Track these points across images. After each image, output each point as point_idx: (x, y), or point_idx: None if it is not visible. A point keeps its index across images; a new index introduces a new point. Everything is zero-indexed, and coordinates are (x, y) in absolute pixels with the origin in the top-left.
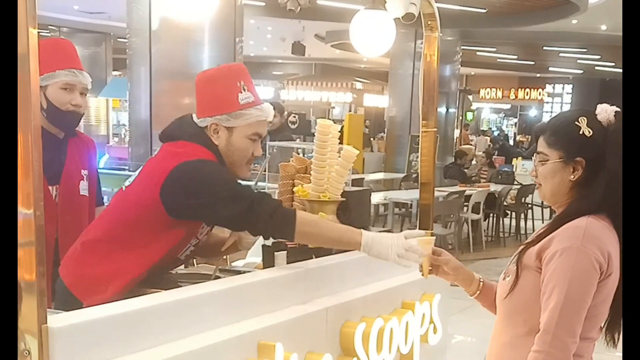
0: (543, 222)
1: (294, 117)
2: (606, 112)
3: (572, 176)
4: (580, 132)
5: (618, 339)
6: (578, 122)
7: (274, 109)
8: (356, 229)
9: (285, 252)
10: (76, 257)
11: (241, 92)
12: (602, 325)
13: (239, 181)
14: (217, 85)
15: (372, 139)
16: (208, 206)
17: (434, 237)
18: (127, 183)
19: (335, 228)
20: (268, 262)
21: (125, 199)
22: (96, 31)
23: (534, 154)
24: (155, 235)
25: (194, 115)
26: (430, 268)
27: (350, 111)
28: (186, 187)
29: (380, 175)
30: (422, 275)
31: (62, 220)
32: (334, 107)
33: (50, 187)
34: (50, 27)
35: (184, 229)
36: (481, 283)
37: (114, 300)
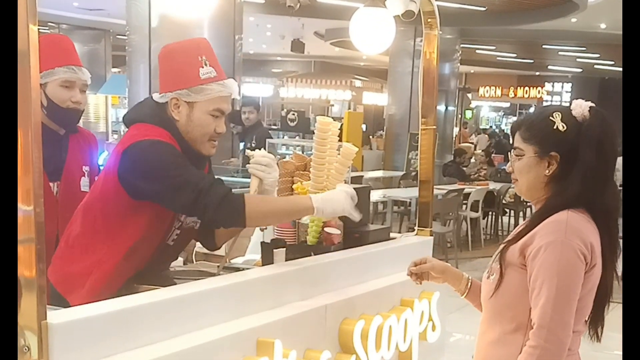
0: None
1: (293, 114)
2: (581, 107)
3: (547, 171)
4: (555, 127)
5: (601, 334)
6: (552, 117)
7: (252, 106)
8: (304, 195)
9: (284, 249)
10: (60, 254)
11: (202, 67)
12: (586, 319)
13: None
14: (177, 60)
15: (370, 136)
16: (160, 192)
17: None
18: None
19: (285, 201)
20: (267, 259)
21: (94, 189)
22: (95, 28)
23: (511, 150)
24: (124, 220)
25: (155, 95)
26: (418, 276)
27: (349, 109)
28: (137, 169)
29: (379, 173)
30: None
31: (63, 216)
32: (333, 105)
33: (51, 184)
34: (49, 23)
35: (153, 211)
36: (470, 282)
37: (95, 292)
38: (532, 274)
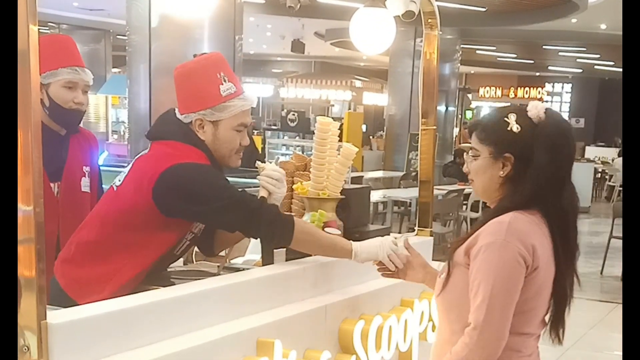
0: None
1: (293, 114)
2: (537, 108)
3: (502, 172)
4: (509, 128)
5: (563, 336)
6: (507, 118)
7: None
8: (346, 240)
9: (284, 249)
10: (70, 258)
11: (222, 84)
12: (547, 321)
13: (231, 182)
14: (197, 80)
15: (371, 137)
16: (205, 213)
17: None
18: (117, 182)
19: (329, 237)
20: (267, 259)
21: (117, 199)
22: (96, 28)
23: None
24: (152, 236)
25: (177, 111)
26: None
27: (349, 109)
28: (180, 190)
29: (379, 174)
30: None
31: (64, 217)
32: (333, 105)
33: (51, 184)
34: (49, 23)
35: (180, 228)
36: None
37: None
38: (472, 274)
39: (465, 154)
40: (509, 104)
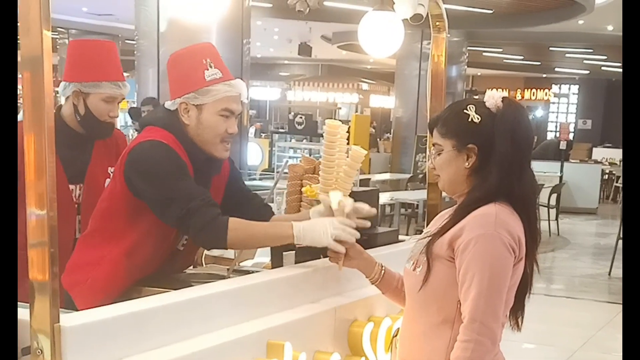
0: (549, 223)
1: (301, 117)
2: (494, 98)
3: (467, 163)
4: (469, 120)
5: (522, 323)
6: (467, 110)
7: (150, 105)
8: (286, 222)
9: (294, 252)
10: (70, 253)
11: (207, 69)
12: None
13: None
14: (183, 65)
15: (378, 139)
16: (153, 200)
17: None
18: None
19: (266, 230)
20: (276, 262)
21: (105, 190)
22: (104, 33)
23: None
24: (128, 218)
25: (167, 102)
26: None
27: (356, 112)
28: (139, 168)
29: (386, 176)
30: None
31: (85, 220)
32: (340, 108)
33: (71, 187)
34: (59, 29)
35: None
36: (383, 270)
37: (96, 288)
38: (462, 267)
39: (428, 151)
40: None
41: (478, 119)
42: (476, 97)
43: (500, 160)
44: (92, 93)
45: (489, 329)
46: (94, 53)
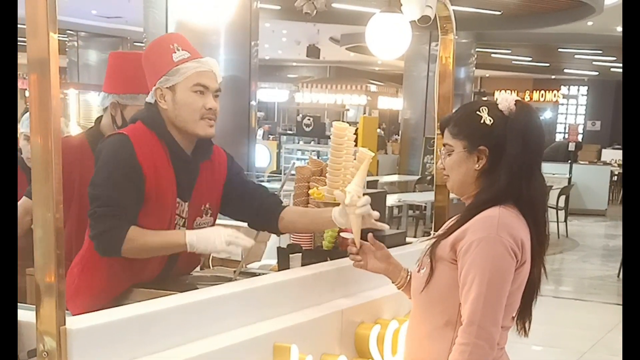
0: (558, 225)
1: (309, 119)
2: (507, 100)
3: (477, 165)
4: (482, 122)
5: (529, 328)
6: (479, 111)
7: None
8: (180, 231)
9: (300, 254)
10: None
11: (175, 52)
12: (514, 314)
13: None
14: (152, 55)
15: (387, 141)
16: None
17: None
18: None
19: (159, 239)
20: (283, 264)
21: None
22: (113, 35)
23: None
24: None
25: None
26: (361, 261)
27: (364, 113)
28: (96, 159)
29: (394, 178)
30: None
31: None
32: (348, 110)
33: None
34: (68, 31)
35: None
36: (408, 276)
37: (83, 287)
38: (463, 270)
39: (436, 152)
40: None
41: (490, 121)
42: (485, 98)
43: (510, 163)
44: (129, 105)
45: (487, 332)
46: (132, 65)
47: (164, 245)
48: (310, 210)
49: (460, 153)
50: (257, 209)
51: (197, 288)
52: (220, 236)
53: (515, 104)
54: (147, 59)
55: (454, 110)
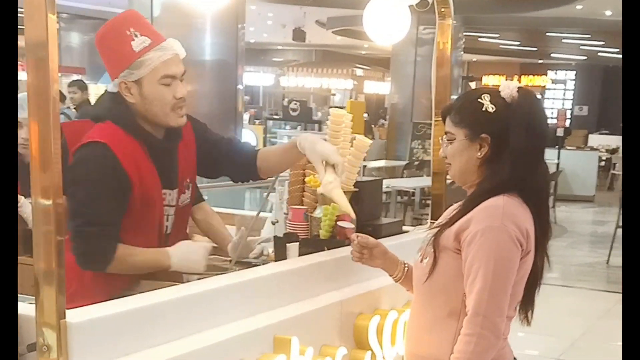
0: (555, 213)
1: (295, 104)
2: (509, 88)
3: (479, 153)
4: (484, 109)
5: (531, 317)
6: (481, 99)
7: (76, 86)
8: (164, 250)
9: (297, 243)
10: None
11: (134, 40)
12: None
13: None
14: (108, 43)
15: (373, 125)
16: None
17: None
18: None
19: (144, 261)
20: (280, 253)
21: None
22: (97, 17)
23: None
24: None
25: (109, 86)
26: (359, 255)
27: (350, 98)
28: (73, 168)
29: (381, 163)
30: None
31: None
32: (334, 94)
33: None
34: None
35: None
36: (406, 268)
37: (75, 279)
38: (468, 260)
39: (440, 139)
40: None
41: (492, 108)
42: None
43: (513, 152)
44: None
45: (493, 322)
46: None
47: (149, 266)
48: (278, 148)
49: (462, 141)
50: (234, 163)
51: (189, 281)
52: (201, 260)
53: (517, 91)
54: (103, 46)
55: (452, 96)
